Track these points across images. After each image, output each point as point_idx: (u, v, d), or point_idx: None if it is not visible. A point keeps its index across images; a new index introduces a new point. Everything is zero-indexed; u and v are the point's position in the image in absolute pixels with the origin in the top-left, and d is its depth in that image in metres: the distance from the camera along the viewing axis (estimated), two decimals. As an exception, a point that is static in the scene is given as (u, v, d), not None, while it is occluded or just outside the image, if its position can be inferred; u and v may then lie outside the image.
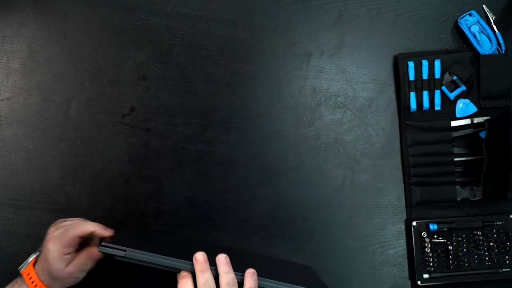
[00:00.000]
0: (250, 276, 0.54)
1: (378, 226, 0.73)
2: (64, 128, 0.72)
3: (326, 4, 0.76)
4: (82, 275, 0.60)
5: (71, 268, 0.58)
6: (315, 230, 0.72)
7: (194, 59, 0.74)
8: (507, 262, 0.71)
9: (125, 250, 0.53)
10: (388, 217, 0.73)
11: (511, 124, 0.71)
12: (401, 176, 0.74)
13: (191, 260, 0.53)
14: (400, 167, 0.74)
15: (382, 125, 0.74)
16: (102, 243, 0.53)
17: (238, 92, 0.74)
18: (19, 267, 0.59)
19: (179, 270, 0.54)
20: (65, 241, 0.58)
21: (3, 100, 0.73)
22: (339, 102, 0.75)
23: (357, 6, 0.76)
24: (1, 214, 0.71)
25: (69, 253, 0.58)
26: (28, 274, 0.58)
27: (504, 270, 0.70)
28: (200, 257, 0.53)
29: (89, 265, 0.60)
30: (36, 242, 0.70)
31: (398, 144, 0.74)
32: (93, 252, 0.60)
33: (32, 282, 0.57)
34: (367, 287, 0.72)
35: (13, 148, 0.72)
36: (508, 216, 0.71)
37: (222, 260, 0.53)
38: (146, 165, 0.72)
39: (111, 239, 0.59)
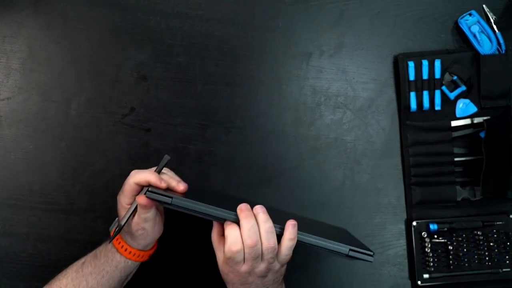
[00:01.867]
0: (292, 227, 0.53)
1: (378, 226, 0.73)
2: (64, 128, 0.72)
3: (326, 4, 0.75)
4: (147, 226, 0.58)
5: (135, 217, 0.58)
6: (315, 230, 0.72)
7: (194, 59, 0.74)
8: (507, 262, 0.71)
9: (171, 197, 0.52)
10: (388, 217, 0.73)
11: (511, 124, 0.71)
12: (401, 176, 0.74)
13: (235, 211, 0.53)
14: (400, 167, 0.74)
15: (382, 125, 0.74)
16: (149, 189, 0.53)
17: (238, 92, 0.74)
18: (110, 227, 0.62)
19: (223, 220, 0.54)
20: (125, 191, 0.57)
21: (3, 100, 0.73)
22: (339, 102, 0.75)
23: (357, 6, 0.76)
24: (1, 214, 0.71)
25: (130, 203, 0.58)
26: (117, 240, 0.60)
27: (504, 270, 0.70)
28: (244, 207, 0.54)
29: (144, 213, 0.57)
30: (36, 242, 0.70)
31: (398, 144, 0.74)
32: (138, 198, 0.56)
33: (119, 243, 0.59)
34: (367, 287, 0.72)
35: (13, 148, 0.72)
36: (508, 216, 0.71)
37: (260, 209, 0.54)
38: (146, 165, 0.72)
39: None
